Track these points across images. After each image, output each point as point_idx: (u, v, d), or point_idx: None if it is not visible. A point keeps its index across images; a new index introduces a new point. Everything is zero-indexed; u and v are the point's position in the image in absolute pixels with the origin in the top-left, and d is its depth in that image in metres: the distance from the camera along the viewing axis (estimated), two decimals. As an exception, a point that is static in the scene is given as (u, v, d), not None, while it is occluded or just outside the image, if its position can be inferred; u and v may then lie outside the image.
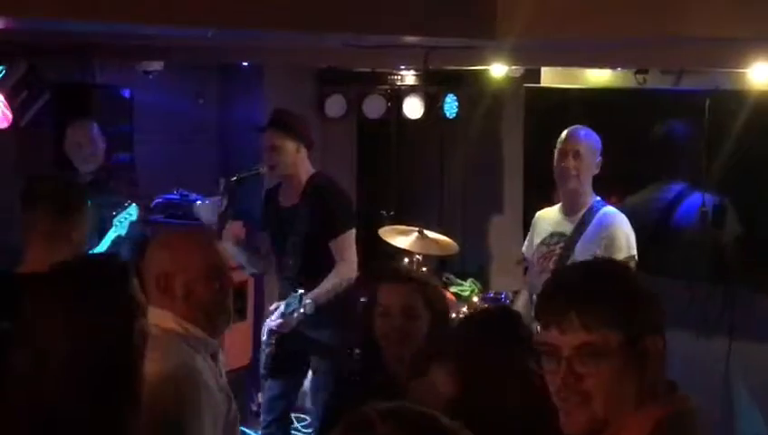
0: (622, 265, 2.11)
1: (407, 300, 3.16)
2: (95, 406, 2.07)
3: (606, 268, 2.11)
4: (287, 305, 4.73)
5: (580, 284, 1.96)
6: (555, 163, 4.50)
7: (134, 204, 5.17)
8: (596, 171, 4.50)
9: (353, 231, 4.98)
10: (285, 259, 4.95)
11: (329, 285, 4.84)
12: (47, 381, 2.07)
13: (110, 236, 5.12)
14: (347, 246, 4.95)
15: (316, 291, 4.78)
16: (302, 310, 4.67)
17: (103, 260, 2.36)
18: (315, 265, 4.90)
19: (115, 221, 5.14)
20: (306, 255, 4.90)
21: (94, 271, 2.22)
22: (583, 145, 4.46)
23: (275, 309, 4.85)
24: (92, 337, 2.09)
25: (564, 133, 4.53)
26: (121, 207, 5.14)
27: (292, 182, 4.97)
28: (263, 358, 4.96)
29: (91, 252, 5.06)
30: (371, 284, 3.39)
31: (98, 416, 2.07)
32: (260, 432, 5.19)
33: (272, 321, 4.82)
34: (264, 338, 4.92)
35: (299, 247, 4.91)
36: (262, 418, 5.11)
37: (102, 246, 5.09)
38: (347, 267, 4.92)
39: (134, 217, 5.16)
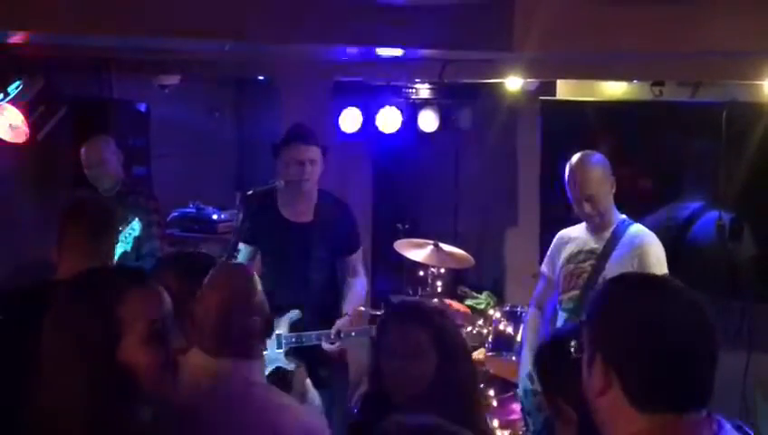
0: (646, 284, 2.00)
1: (411, 338, 2.89)
2: (95, 411, 2.10)
3: (627, 283, 2.04)
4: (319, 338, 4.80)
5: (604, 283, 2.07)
6: (572, 203, 4.46)
7: (137, 218, 5.16)
8: (613, 191, 4.45)
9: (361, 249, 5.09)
10: (291, 276, 4.89)
11: (362, 297, 4.99)
12: (50, 388, 2.12)
13: (118, 252, 5.12)
14: (361, 260, 5.04)
15: (357, 305, 4.91)
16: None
17: (120, 271, 2.37)
18: (333, 282, 4.94)
19: (120, 237, 5.13)
20: (330, 271, 4.92)
21: (106, 281, 2.24)
22: (594, 184, 4.39)
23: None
24: (88, 343, 2.12)
25: (573, 178, 4.41)
26: (126, 222, 5.15)
27: (308, 197, 4.89)
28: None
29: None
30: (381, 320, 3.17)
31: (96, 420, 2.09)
32: None
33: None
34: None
35: (325, 264, 4.90)
36: None
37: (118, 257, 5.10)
38: (366, 280, 5.03)
39: (137, 233, 5.16)
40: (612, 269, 4.35)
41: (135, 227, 5.19)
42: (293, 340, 4.79)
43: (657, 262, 4.34)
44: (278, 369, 4.78)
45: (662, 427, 1.83)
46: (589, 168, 4.41)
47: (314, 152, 4.77)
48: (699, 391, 1.87)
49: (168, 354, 2.22)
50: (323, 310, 4.86)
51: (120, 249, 5.09)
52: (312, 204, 4.89)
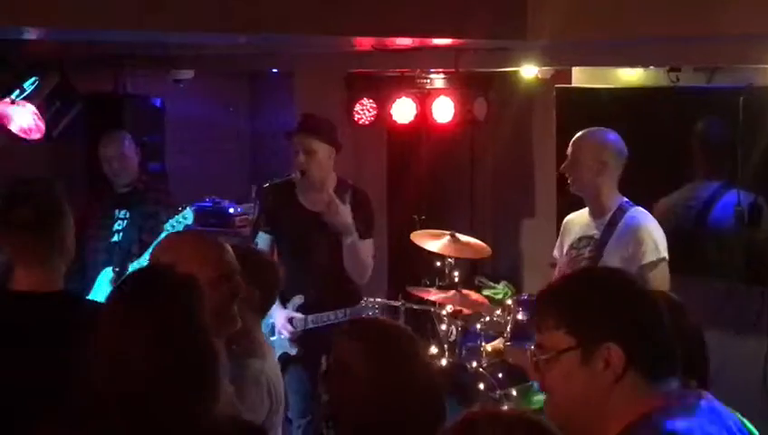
0: (606, 274, 2.16)
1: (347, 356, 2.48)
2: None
3: (588, 276, 2.18)
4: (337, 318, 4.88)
5: (548, 290, 2.14)
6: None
7: (189, 208, 5.14)
8: (607, 172, 4.41)
9: (372, 239, 5.07)
10: (309, 263, 4.96)
11: (360, 247, 4.89)
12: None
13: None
14: (370, 251, 5.03)
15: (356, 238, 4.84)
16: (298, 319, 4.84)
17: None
18: (340, 270, 4.95)
19: (167, 226, 5.11)
20: (335, 259, 4.92)
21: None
22: (575, 153, 4.39)
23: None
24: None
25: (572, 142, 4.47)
26: (175, 211, 5.12)
27: (320, 186, 4.93)
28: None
29: (139, 260, 5.10)
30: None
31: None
32: None
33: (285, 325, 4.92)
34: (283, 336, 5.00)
35: (329, 252, 4.93)
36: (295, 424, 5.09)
37: (149, 254, 5.08)
38: (368, 264, 5.01)
39: (189, 221, 5.13)
40: (610, 255, 4.33)
41: (187, 215, 5.14)
42: (311, 321, 4.90)
43: (655, 246, 4.29)
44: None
45: (674, 391, 1.97)
46: (579, 137, 4.42)
47: (313, 143, 4.84)
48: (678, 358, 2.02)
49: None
50: (341, 294, 4.99)
51: None
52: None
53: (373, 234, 5.09)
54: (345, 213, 4.80)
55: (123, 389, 2.10)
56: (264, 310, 3.53)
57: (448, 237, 5.95)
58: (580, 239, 4.50)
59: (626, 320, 1.96)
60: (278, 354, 4.79)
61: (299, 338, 4.92)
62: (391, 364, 2.41)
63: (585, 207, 4.57)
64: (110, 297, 2.28)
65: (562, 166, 4.47)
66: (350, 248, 4.87)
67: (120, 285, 2.34)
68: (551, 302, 2.06)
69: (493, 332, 6.13)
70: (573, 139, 4.46)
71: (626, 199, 4.44)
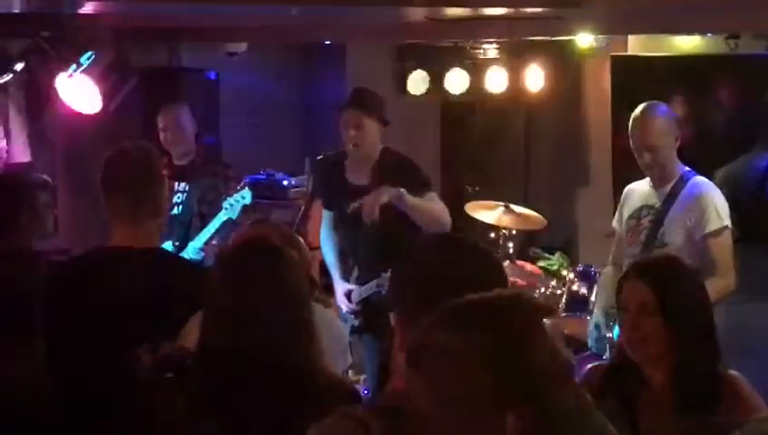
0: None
1: None
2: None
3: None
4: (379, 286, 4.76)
5: None
6: (634, 153, 4.39)
7: (247, 188, 5.16)
8: (677, 144, 4.37)
9: (433, 192, 4.86)
10: (360, 238, 4.95)
11: (421, 202, 4.70)
12: None
13: (221, 218, 5.12)
14: (435, 200, 4.83)
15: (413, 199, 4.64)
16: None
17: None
18: (395, 240, 4.87)
19: (225, 204, 5.13)
20: (385, 231, 4.87)
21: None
22: (656, 134, 4.32)
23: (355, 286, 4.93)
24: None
25: (636, 127, 4.36)
26: (233, 187, 5.16)
27: (367, 160, 4.89)
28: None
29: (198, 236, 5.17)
30: None
31: None
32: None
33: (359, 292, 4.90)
34: (343, 310, 5.01)
35: (374, 225, 4.89)
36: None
37: (211, 229, 5.13)
38: (441, 208, 4.80)
39: (248, 201, 5.15)
40: (671, 225, 4.30)
41: (245, 195, 5.16)
42: (364, 291, 4.89)
43: (718, 214, 4.25)
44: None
45: None
46: (652, 117, 4.34)
47: (364, 117, 4.79)
48: None
49: None
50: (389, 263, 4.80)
51: (224, 216, 5.13)
52: (369, 166, 4.89)
53: (427, 187, 4.83)
54: (389, 192, 4.61)
55: (251, 346, 2.38)
56: None
57: (502, 208, 5.93)
58: (640, 208, 4.47)
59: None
60: (348, 328, 4.85)
61: (360, 310, 4.92)
62: None
63: (644, 176, 4.53)
64: (222, 266, 2.58)
65: (647, 163, 4.33)
66: (414, 210, 4.66)
67: (226, 254, 2.66)
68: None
69: (548, 303, 6.11)
70: (646, 119, 4.32)
71: (687, 168, 4.39)
